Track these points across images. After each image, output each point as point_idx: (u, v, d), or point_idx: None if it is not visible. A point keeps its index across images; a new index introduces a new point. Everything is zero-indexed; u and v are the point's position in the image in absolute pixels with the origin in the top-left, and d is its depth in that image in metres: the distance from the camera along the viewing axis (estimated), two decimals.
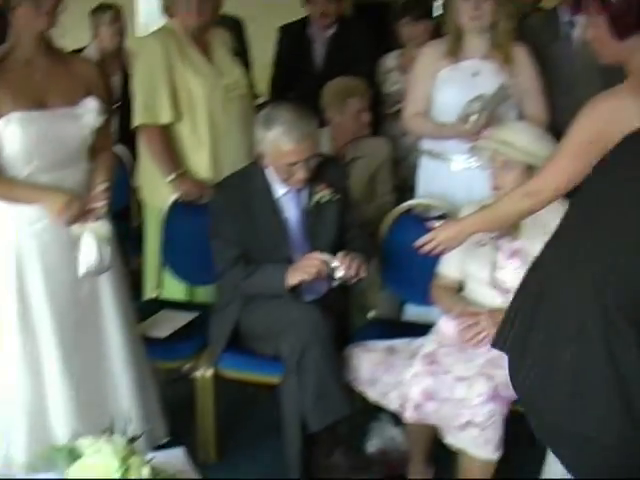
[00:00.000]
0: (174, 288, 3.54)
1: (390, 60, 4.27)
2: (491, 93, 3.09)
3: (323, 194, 2.99)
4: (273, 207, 2.96)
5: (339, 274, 2.78)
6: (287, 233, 2.97)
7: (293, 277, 2.80)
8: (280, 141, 2.80)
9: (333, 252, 2.85)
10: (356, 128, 3.79)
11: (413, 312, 3.38)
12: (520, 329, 2.10)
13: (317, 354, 2.69)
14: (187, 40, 3.41)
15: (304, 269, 2.79)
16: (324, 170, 3.02)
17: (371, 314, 3.29)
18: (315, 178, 2.96)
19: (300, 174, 2.85)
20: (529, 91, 3.30)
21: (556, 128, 3.76)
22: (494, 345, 2.21)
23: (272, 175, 2.94)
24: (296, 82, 4.39)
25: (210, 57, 3.48)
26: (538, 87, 3.33)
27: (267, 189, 2.96)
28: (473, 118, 3.05)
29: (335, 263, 2.78)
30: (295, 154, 2.81)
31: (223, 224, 2.95)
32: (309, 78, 4.22)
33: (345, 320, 3.12)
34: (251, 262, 2.90)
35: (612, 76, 4.19)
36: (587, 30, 2.19)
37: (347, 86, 3.81)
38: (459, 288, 2.94)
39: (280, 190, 2.95)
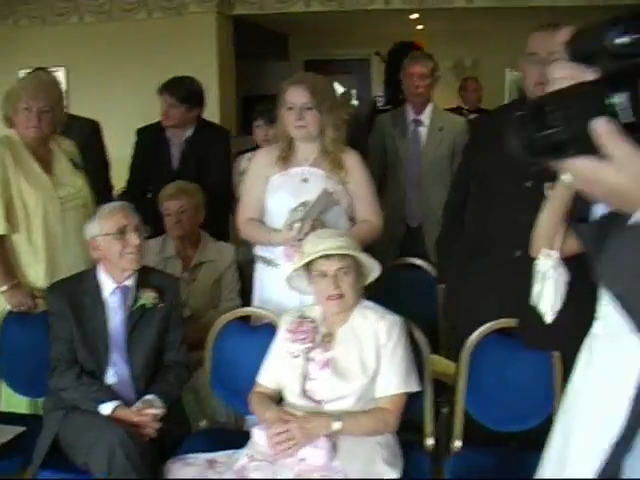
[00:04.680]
0: (16, 401, 3.45)
1: (244, 162, 4.30)
2: (313, 200, 3.09)
3: (148, 298, 3.02)
4: (101, 306, 3.01)
5: None
6: (109, 334, 3.01)
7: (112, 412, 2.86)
8: (103, 218, 3.01)
9: (147, 361, 3.00)
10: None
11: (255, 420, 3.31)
12: None
13: (125, 466, 2.66)
14: (26, 151, 3.42)
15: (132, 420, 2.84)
16: (155, 279, 3.10)
17: (202, 423, 3.22)
18: (144, 284, 3.03)
19: (133, 238, 2.94)
20: (360, 196, 3.30)
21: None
22: None
23: (102, 274, 3.03)
24: (153, 182, 4.43)
25: (49, 168, 3.48)
26: (369, 192, 3.33)
27: (96, 287, 3.03)
28: (297, 225, 3.03)
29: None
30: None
31: (55, 323, 3.02)
32: (165, 179, 4.25)
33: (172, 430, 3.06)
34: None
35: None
36: None
37: (173, 188, 3.90)
38: (279, 398, 2.91)
39: (108, 288, 3.02)
